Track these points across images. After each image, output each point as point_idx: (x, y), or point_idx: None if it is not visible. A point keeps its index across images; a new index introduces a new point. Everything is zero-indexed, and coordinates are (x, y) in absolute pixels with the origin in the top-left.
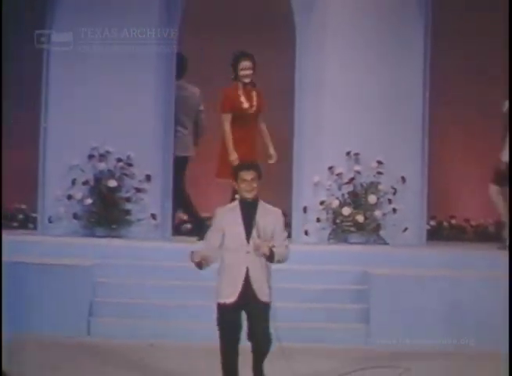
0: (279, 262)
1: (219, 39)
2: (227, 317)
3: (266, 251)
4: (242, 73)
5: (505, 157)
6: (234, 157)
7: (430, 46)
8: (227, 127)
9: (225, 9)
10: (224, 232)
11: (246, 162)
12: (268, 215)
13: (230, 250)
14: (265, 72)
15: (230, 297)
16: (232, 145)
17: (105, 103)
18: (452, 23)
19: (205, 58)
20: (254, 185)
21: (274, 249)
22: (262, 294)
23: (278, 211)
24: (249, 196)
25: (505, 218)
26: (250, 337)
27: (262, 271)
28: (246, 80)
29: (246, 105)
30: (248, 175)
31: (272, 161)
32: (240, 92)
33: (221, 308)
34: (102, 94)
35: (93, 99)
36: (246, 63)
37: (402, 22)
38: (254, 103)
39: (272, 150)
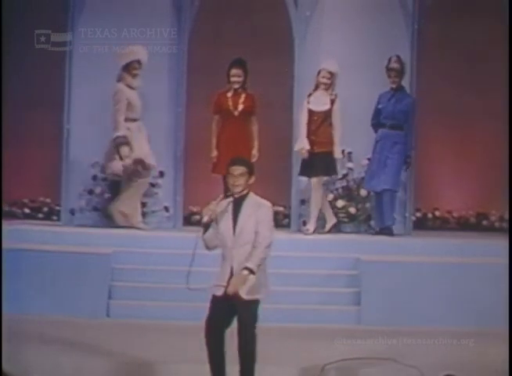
0: (260, 265)
1: (224, 48)
2: (216, 309)
3: (238, 288)
4: (232, 79)
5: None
6: (214, 153)
7: (417, 51)
8: (213, 126)
9: (231, 21)
10: (217, 224)
11: (238, 158)
12: (255, 210)
13: (221, 243)
14: (267, 78)
15: (218, 290)
16: (214, 142)
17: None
18: (439, 26)
19: (210, 64)
20: (241, 180)
21: (250, 265)
22: (243, 292)
23: (266, 205)
24: (234, 190)
25: (322, 208)
26: (237, 331)
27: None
28: (236, 85)
29: (231, 107)
30: (235, 170)
31: (253, 160)
32: (229, 95)
33: (214, 300)
34: None
35: (111, 104)
36: (235, 71)
37: (394, 28)
38: (240, 105)
39: (254, 151)
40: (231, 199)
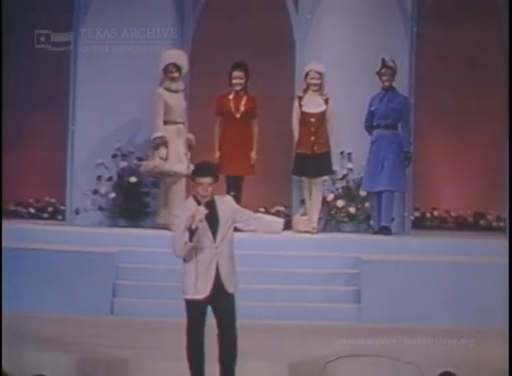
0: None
1: (226, 50)
2: (197, 312)
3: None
4: (233, 81)
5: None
6: (217, 154)
7: (416, 52)
8: (215, 128)
9: (232, 23)
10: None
11: (204, 167)
12: (224, 207)
13: (198, 248)
14: (268, 80)
15: (202, 292)
16: (217, 144)
17: (127, 109)
18: (438, 28)
19: (212, 65)
20: (210, 188)
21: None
22: (229, 286)
23: (228, 198)
24: (205, 199)
25: (307, 204)
26: (218, 331)
27: (229, 264)
28: (237, 88)
29: (233, 109)
30: (204, 180)
31: (251, 162)
32: (231, 97)
33: (193, 303)
34: (123, 101)
35: (116, 105)
36: (236, 73)
37: (394, 31)
38: (241, 107)
39: (253, 154)
40: (191, 202)
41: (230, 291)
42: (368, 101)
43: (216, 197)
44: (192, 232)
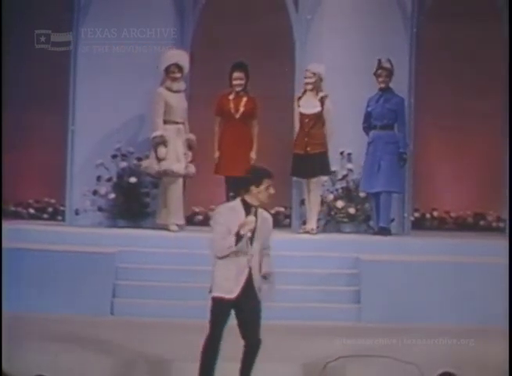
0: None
1: (225, 51)
2: (223, 312)
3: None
4: (234, 82)
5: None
6: (216, 154)
7: (416, 53)
8: (215, 128)
9: (232, 24)
10: (230, 231)
11: (267, 170)
12: (265, 221)
13: (240, 250)
14: (268, 81)
15: (232, 292)
16: (216, 144)
17: (126, 109)
18: (437, 29)
19: (212, 65)
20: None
21: (267, 268)
22: (259, 291)
23: (271, 219)
24: (264, 203)
25: (307, 205)
26: (245, 335)
27: (259, 273)
28: (238, 88)
29: (232, 110)
30: (271, 186)
31: (251, 162)
32: (231, 98)
33: (219, 302)
34: (123, 101)
35: (116, 106)
36: (237, 74)
37: (394, 31)
38: (241, 108)
39: (252, 154)
40: (237, 203)
41: (260, 298)
42: (367, 98)
43: (259, 209)
44: (239, 237)
